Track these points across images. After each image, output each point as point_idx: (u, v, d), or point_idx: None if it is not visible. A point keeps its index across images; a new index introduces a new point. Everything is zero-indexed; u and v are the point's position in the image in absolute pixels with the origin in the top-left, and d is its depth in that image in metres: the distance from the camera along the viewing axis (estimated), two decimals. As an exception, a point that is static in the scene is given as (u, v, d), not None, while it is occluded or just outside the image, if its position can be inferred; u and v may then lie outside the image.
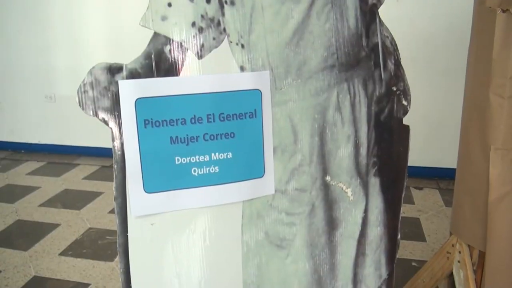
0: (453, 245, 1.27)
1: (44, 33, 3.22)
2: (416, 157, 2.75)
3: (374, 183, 0.97)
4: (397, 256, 1.06)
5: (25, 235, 2.22)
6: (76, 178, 2.99)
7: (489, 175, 1.10)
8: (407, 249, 2.00)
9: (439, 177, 2.80)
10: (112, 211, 2.44)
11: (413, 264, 1.88)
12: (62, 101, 3.32)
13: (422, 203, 2.50)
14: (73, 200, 2.63)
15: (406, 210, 2.40)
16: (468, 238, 1.22)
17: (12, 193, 2.74)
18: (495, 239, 1.11)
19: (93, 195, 2.68)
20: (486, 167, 1.11)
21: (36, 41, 3.25)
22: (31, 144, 3.52)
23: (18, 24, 3.25)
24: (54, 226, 2.31)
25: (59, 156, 3.42)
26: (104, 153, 3.21)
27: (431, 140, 2.75)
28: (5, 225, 2.32)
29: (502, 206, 1.10)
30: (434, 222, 2.28)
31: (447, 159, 2.58)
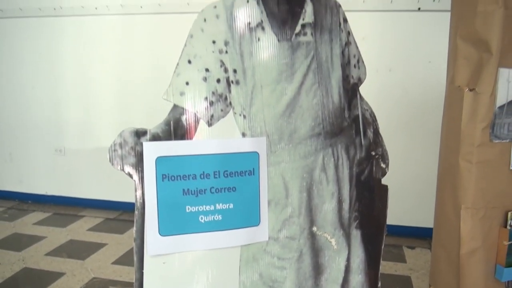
0: (432, 297, 1.38)
1: (56, 89, 3.34)
2: (409, 217, 2.82)
3: (356, 234, 1.11)
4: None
5: (31, 282, 2.29)
6: (81, 229, 3.07)
7: (460, 231, 1.23)
8: (397, 306, 2.07)
9: (431, 237, 2.87)
10: (115, 262, 2.52)
11: (402, 319, 1.95)
12: (71, 154, 3.40)
13: (414, 262, 2.57)
14: (78, 250, 2.70)
15: (398, 268, 2.48)
16: (445, 289, 1.32)
17: (19, 242, 2.81)
18: (467, 290, 1.22)
19: (97, 246, 2.76)
20: (458, 224, 1.23)
21: (49, 96, 3.37)
22: (38, 195, 3.59)
23: (33, 80, 3.39)
24: (59, 274, 2.38)
25: (65, 207, 3.50)
26: (108, 205, 3.27)
27: (424, 200, 2.78)
28: (12, 272, 2.39)
29: (473, 260, 1.22)
30: (424, 280, 2.35)
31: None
